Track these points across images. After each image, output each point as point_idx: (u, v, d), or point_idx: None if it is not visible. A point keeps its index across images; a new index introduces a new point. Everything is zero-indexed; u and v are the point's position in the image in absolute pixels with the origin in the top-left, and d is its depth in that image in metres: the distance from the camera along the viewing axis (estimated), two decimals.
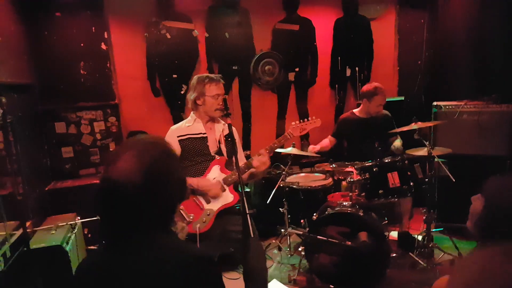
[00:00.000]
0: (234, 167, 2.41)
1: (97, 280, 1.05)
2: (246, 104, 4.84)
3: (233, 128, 2.64)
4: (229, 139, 2.39)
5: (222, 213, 2.56)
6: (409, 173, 3.33)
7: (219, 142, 2.68)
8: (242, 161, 2.60)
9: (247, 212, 1.89)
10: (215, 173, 2.62)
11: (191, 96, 2.66)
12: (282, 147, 2.98)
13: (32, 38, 3.83)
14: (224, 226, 2.56)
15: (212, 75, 2.69)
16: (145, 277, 1.01)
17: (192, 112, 2.75)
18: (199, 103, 2.64)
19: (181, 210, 2.51)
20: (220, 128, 2.73)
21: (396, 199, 3.36)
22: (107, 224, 1.06)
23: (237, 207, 2.11)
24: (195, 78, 2.67)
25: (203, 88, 2.60)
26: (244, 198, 1.93)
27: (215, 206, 2.56)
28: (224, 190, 2.58)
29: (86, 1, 4.01)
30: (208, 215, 2.53)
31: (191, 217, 2.51)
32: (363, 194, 3.37)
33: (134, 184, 1.00)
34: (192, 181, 2.54)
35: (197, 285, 1.02)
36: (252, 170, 2.61)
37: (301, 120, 2.75)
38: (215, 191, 2.54)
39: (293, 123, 2.71)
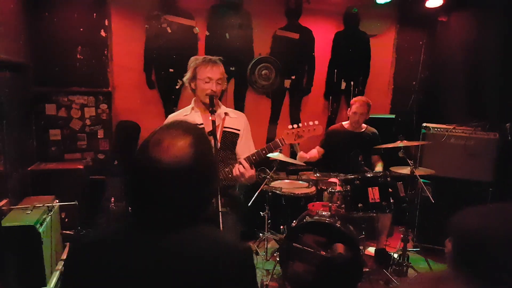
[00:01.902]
0: (227, 167, 2.27)
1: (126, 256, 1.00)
2: (240, 106, 4.86)
3: (245, 122, 2.47)
4: (210, 136, 2.17)
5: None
6: (390, 190, 3.36)
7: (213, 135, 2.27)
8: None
9: (220, 210, 1.90)
10: None
11: (185, 79, 2.41)
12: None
13: (31, 18, 3.83)
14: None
15: (210, 56, 2.38)
16: (184, 261, 0.99)
17: (193, 99, 2.49)
18: (192, 86, 2.38)
19: None
20: (219, 119, 2.41)
21: (374, 214, 3.38)
22: (148, 204, 1.01)
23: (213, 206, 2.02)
24: (191, 59, 2.41)
25: (195, 70, 2.33)
26: (219, 196, 1.95)
27: None
28: None
29: None
30: None
31: None
32: (343, 206, 3.40)
33: (186, 166, 0.98)
34: None
35: (236, 274, 1.01)
36: None
37: (298, 125, 2.23)
38: None
39: (289, 126, 2.22)
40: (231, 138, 2.41)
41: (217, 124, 2.35)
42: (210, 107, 2.21)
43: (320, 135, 2.27)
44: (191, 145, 1.00)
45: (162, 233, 1.00)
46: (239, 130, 2.44)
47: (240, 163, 2.19)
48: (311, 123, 2.21)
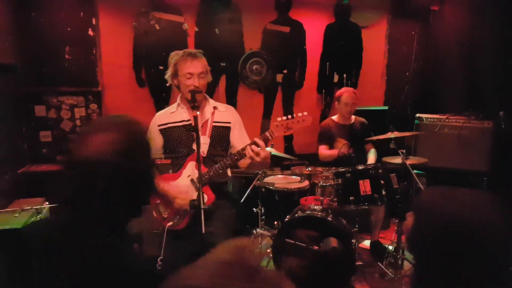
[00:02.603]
0: (216, 165, 2.22)
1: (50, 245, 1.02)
2: (232, 101, 4.83)
3: (235, 114, 2.43)
4: (192, 132, 2.18)
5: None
6: (382, 181, 3.33)
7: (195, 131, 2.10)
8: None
9: (202, 207, 1.87)
10: (189, 171, 2.31)
11: (167, 76, 2.33)
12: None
13: (18, 18, 3.80)
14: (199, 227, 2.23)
15: (190, 50, 2.30)
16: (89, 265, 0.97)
17: (179, 96, 2.42)
18: (175, 83, 2.31)
19: (158, 205, 2.35)
20: (208, 114, 2.35)
21: (366, 207, 3.35)
22: (75, 202, 1.01)
23: (195, 201, 1.97)
24: (171, 55, 2.32)
25: (175, 66, 2.26)
26: (202, 193, 1.92)
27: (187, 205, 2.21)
28: (197, 190, 2.17)
29: None
30: (181, 213, 2.27)
31: (166, 214, 2.32)
32: (335, 199, 3.38)
33: (111, 165, 0.96)
34: (163, 186, 2.27)
35: None
36: (248, 160, 2.19)
37: (287, 117, 2.15)
38: (180, 203, 2.21)
39: (278, 118, 2.14)
40: (222, 132, 2.38)
41: (206, 119, 2.36)
42: (192, 103, 2.15)
43: (309, 125, 2.19)
44: (113, 142, 0.97)
45: (76, 234, 0.98)
46: (229, 122, 2.42)
47: (254, 142, 2.10)
48: (300, 114, 2.13)
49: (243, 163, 2.20)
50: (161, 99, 4.48)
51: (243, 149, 2.16)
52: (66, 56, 4.06)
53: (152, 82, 4.47)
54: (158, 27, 4.36)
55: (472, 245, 0.95)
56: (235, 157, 2.21)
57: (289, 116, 2.14)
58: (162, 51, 4.37)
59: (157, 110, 4.32)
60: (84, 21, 4.08)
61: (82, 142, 0.98)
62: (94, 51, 4.16)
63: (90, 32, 4.13)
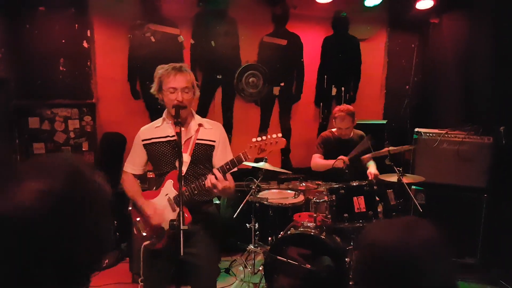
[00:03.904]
0: (194, 183, 2.14)
1: None
2: (228, 115, 4.79)
3: (222, 132, 2.36)
4: (176, 148, 2.12)
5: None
6: (377, 198, 3.24)
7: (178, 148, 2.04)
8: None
9: (181, 228, 1.80)
10: (168, 189, 2.23)
11: (153, 90, 2.27)
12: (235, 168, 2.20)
13: (12, 30, 3.81)
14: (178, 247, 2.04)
15: (174, 64, 2.23)
16: None
17: (165, 110, 2.34)
18: (161, 98, 2.24)
19: (137, 222, 2.29)
20: (192, 131, 2.27)
21: (361, 224, 3.26)
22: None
23: (174, 222, 1.90)
24: (157, 69, 2.26)
25: (160, 80, 2.20)
26: (182, 213, 1.85)
27: (166, 225, 2.15)
28: (174, 210, 2.20)
29: None
30: (159, 232, 2.20)
31: (145, 232, 2.24)
32: (329, 216, 3.29)
33: (37, 223, 0.73)
34: (141, 203, 2.23)
35: None
36: None
37: (261, 138, 2.07)
38: (155, 222, 2.15)
39: (253, 139, 2.06)
40: (204, 151, 2.31)
41: (189, 136, 2.29)
42: (176, 118, 2.10)
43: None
44: (45, 191, 0.75)
45: None
46: (214, 141, 2.34)
47: (213, 173, 2.04)
48: (274, 135, 2.06)
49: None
50: (156, 111, 4.38)
51: (205, 178, 2.09)
52: (61, 68, 4.05)
53: (147, 94, 4.43)
54: (153, 40, 4.34)
55: (409, 271, 0.94)
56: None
57: (263, 137, 2.06)
58: (157, 63, 4.21)
59: (152, 122, 4.38)
60: (78, 33, 4.07)
61: (4, 190, 0.75)
62: (88, 63, 4.15)
63: (85, 44, 4.12)
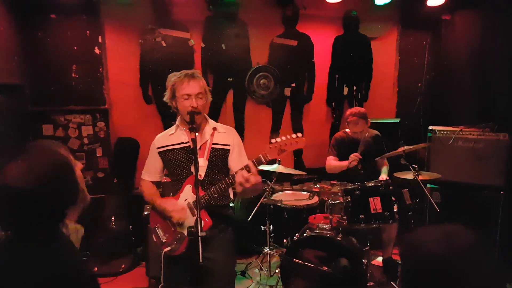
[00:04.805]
0: (212, 187, 2.15)
1: None
2: (240, 117, 4.78)
3: (235, 136, 2.36)
4: (190, 154, 2.15)
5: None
6: (393, 198, 3.21)
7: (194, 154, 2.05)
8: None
9: (199, 235, 1.80)
10: (187, 194, 2.23)
11: (166, 98, 2.28)
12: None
13: (25, 38, 3.86)
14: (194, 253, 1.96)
15: (186, 71, 2.24)
16: (30, 271, 1.15)
17: (178, 117, 2.34)
18: (174, 105, 2.25)
19: (156, 229, 2.30)
20: (207, 135, 2.27)
21: (377, 225, 3.23)
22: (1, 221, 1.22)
23: (192, 228, 1.90)
24: (168, 77, 2.26)
25: (173, 88, 2.20)
26: (199, 219, 1.85)
27: (185, 230, 2.11)
28: (194, 214, 2.16)
29: (83, 5, 4.02)
30: (179, 238, 2.20)
31: (165, 238, 2.25)
32: (345, 217, 3.27)
33: (22, 189, 1.13)
34: (160, 202, 2.26)
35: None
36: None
37: (281, 138, 2.06)
38: (177, 217, 2.17)
39: (272, 140, 2.06)
40: (220, 155, 2.30)
41: (205, 141, 2.29)
42: (191, 124, 2.11)
43: (303, 147, 2.10)
44: (28, 171, 1.15)
45: (15, 248, 1.19)
46: (229, 145, 2.33)
47: (247, 167, 2.02)
48: (294, 135, 2.04)
49: (239, 187, 2.08)
50: (168, 116, 4.44)
51: (236, 173, 2.08)
52: (73, 75, 4.09)
53: (159, 99, 4.44)
54: (164, 44, 4.35)
55: (462, 285, 0.98)
56: (229, 181, 2.13)
57: (283, 138, 2.05)
58: (168, 67, 4.34)
59: (165, 126, 4.41)
60: (90, 40, 4.10)
61: (4, 172, 1.16)
62: (100, 69, 4.18)
63: (97, 51, 4.15)
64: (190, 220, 2.17)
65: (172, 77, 2.23)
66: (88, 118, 4.15)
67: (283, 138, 2.05)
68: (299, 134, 2.06)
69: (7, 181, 1.14)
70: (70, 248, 1.33)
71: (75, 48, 4.07)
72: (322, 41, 4.84)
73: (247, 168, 2.03)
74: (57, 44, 4.00)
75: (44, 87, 4.00)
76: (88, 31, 4.09)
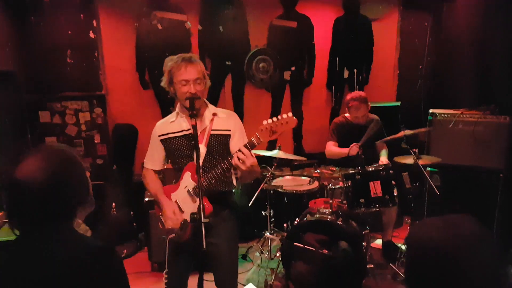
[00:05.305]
0: (210, 173, 2.13)
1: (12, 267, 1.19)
2: (239, 102, 4.73)
3: (236, 120, 2.32)
4: (193, 142, 2.09)
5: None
6: (393, 182, 3.21)
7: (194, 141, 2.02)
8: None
9: (202, 221, 1.78)
10: (186, 181, 2.22)
11: (163, 84, 2.20)
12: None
13: (17, 23, 3.76)
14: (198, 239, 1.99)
15: (183, 55, 2.16)
16: (51, 264, 1.17)
17: (178, 104, 2.28)
18: (172, 91, 2.19)
19: (161, 217, 2.27)
20: (206, 121, 2.23)
21: (378, 209, 3.24)
22: (14, 217, 1.22)
23: (194, 215, 1.89)
24: (165, 61, 2.17)
25: (170, 73, 2.13)
26: (202, 206, 1.83)
27: (189, 217, 2.07)
28: (194, 201, 2.19)
29: None
30: (183, 225, 2.18)
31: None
32: (345, 201, 3.27)
33: (37, 185, 1.16)
34: (163, 202, 2.24)
35: (98, 271, 1.20)
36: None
37: (272, 119, 1.99)
38: (170, 225, 2.17)
39: (264, 122, 2.00)
40: (220, 141, 2.27)
41: (204, 127, 2.25)
42: (190, 111, 2.06)
43: (294, 127, 2.05)
44: (41, 164, 1.19)
45: (31, 243, 1.21)
46: (229, 130, 2.29)
47: (239, 151, 2.00)
48: (284, 115, 1.98)
49: (238, 172, 2.08)
50: (166, 101, 4.40)
51: (231, 157, 2.06)
52: (68, 60, 4.01)
53: (156, 84, 4.34)
54: (160, 27, 4.26)
55: (465, 274, 0.99)
56: (225, 166, 2.11)
57: (274, 119, 1.99)
58: (165, 51, 4.26)
59: (163, 112, 4.37)
60: (84, 24, 4.01)
61: (20, 170, 1.18)
62: (96, 54, 4.10)
63: (91, 35, 4.06)
64: (191, 208, 2.15)
65: (169, 62, 2.15)
66: (85, 104, 4.09)
67: (274, 119, 1.99)
68: (290, 114, 1.99)
69: (20, 176, 1.16)
70: (87, 238, 1.36)
71: (69, 32, 3.97)
72: (322, 23, 4.76)
73: (239, 151, 2.00)
74: (50, 29, 3.90)
75: (39, 74, 3.92)
76: (82, 15, 3.99)
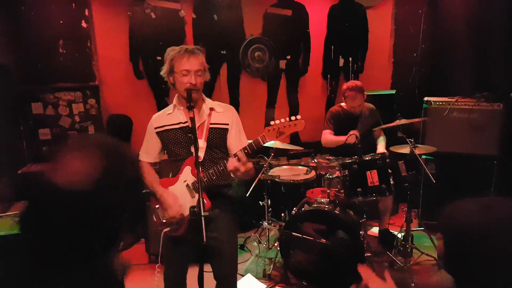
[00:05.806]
0: (211, 169, 2.13)
1: None
2: (235, 91, 4.70)
3: (234, 114, 2.32)
4: (190, 134, 2.11)
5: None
6: (390, 170, 3.23)
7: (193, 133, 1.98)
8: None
9: (202, 214, 1.78)
10: (186, 176, 2.21)
11: (163, 73, 2.19)
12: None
13: (7, 14, 3.67)
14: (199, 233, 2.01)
15: (186, 46, 2.16)
16: None
17: (175, 96, 2.27)
18: (171, 81, 2.17)
19: (156, 209, 2.28)
20: (204, 115, 2.23)
21: (374, 198, 3.26)
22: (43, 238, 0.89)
23: (194, 209, 1.88)
24: (167, 51, 2.17)
25: (171, 63, 2.11)
26: (201, 200, 1.82)
27: (186, 211, 2.15)
28: (193, 196, 2.19)
29: None
30: (180, 219, 2.19)
31: (165, 219, 2.23)
32: (342, 191, 3.29)
33: (84, 194, 0.86)
34: (162, 193, 2.22)
35: None
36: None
37: (280, 120, 2.01)
38: (173, 212, 2.16)
39: (271, 122, 2.02)
40: (219, 135, 2.26)
41: (203, 121, 2.24)
42: (188, 102, 2.02)
43: (302, 129, 2.04)
44: (91, 167, 0.88)
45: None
46: (227, 124, 2.28)
47: (236, 155, 2.03)
48: (293, 118, 2.00)
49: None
50: (161, 91, 4.36)
51: (235, 155, 2.07)
52: (60, 50, 3.94)
53: (150, 74, 4.33)
54: (154, 16, 4.19)
55: (506, 255, 1.01)
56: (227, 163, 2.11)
57: (282, 120, 2.01)
58: (159, 40, 4.23)
59: (157, 102, 4.33)
60: (76, 13, 3.93)
61: (56, 167, 0.88)
62: (89, 44, 4.03)
63: (84, 24, 3.99)
64: (189, 202, 2.14)
65: (171, 51, 2.14)
66: (79, 95, 4.03)
67: (282, 120, 2.01)
68: (298, 116, 2.01)
69: (59, 183, 0.86)
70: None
71: (61, 22, 3.89)
72: (317, 11, 4.72)
73: (235, 156, 2.02)
74: (41, 19, 3.81)
75: (31, 65, 3.85)
76: (74, 4, 3.90)
